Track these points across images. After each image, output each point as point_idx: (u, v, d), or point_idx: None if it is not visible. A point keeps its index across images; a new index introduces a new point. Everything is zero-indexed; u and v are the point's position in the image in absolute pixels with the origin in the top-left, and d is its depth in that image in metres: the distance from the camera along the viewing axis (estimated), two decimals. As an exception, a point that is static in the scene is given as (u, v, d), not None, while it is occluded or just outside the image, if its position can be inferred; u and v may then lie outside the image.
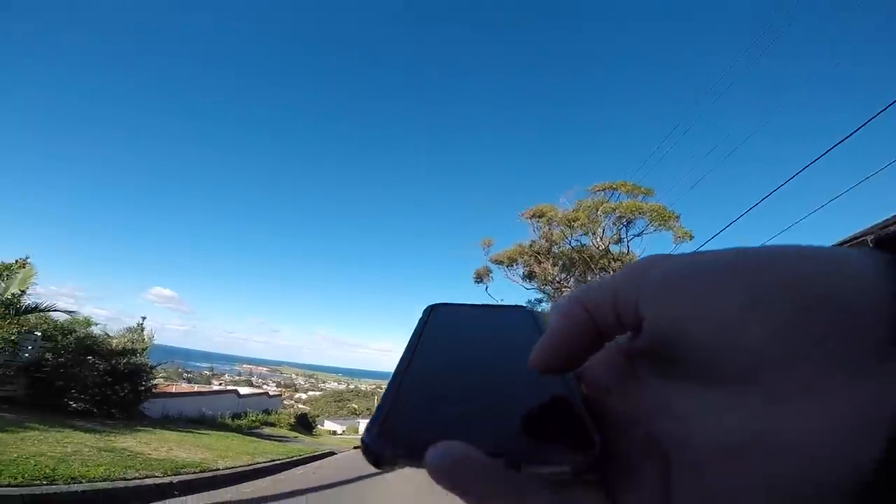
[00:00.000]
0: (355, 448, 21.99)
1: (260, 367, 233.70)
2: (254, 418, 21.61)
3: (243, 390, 25.40)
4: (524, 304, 0.37)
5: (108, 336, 11.60)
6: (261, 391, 29.80)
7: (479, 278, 35.59)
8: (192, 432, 12.45)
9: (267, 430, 21.15)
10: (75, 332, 10.72)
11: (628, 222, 27.21)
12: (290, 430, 23.71)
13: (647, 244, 28.03)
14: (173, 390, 19.34)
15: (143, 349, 11.63)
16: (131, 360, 10.73)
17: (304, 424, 31.27)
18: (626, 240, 28.26)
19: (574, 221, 27.76)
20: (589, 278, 33.91)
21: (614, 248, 29.06)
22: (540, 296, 38.14)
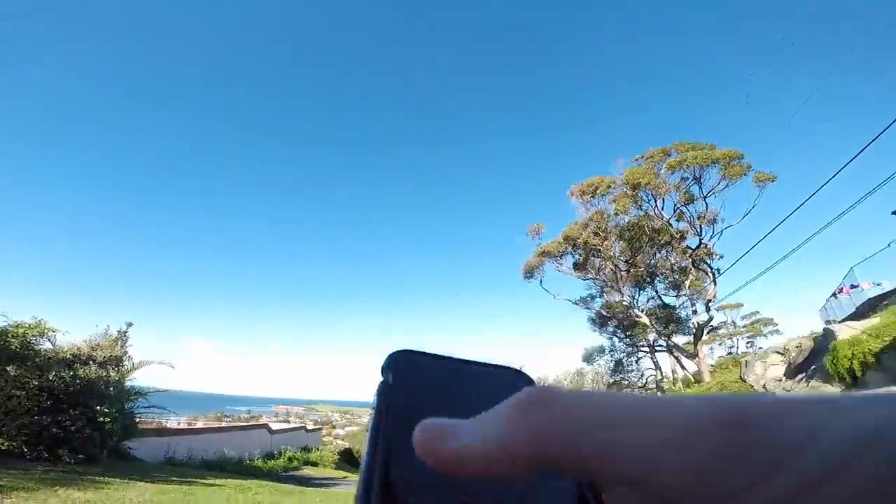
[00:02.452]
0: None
1: (296, 407, 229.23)
2: (290, 456, 17.26)
3: (276, 425, 21.12)
4: (516, 367, 0.31)
5: (55, 346, 7.54)
6: (297, 426, 25.43)
7: (530, 272, 30.40)
8: (196, 482, 8.20)
9: (308, 471, 16.74)
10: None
11: (697, 179, 22.83)
12: (335, 468, 19.28)
13: (728, 199, 23.17)
14: (182, 426, 15.23)
15: (112, 357, 7.54)
16: (80, 374, 6.60)
17: (350, 460, 26.82)
18: (700, 198, 23.57)
19: (640, 182, 23.23)
20: (657, 255, 29.10)
21: (694, 209, 24.31)
22: (593, 291, 33.32)
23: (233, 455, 13.55)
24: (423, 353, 0.29)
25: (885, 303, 14.17)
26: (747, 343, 42.83)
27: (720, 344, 41.76)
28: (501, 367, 0.30)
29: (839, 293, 18.24)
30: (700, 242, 24.23)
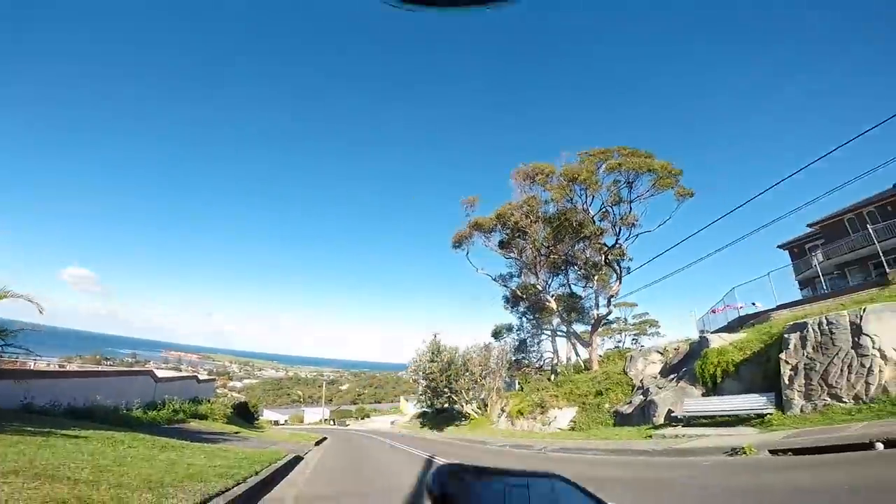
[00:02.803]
0: (318, 444, 17.20)
1: (190, 354, 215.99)
2: (177, 408, 16.16)
3: (162, 372, 19.57)
4: (558, 475, 0.37)
5: None
6: (187, 374, 23.79)
7: (459, 243, 31.15)
8: (56, 433, 7.32)
9: (196, 425, 15.81)
10: None
11: (630, 183, 24.29)
12: (226, 422, 18.38)
13: (650, 206, 25.02)
14: (47, 368, 13.54)
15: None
16: None
17: (244, 415, 25.70)
18: (627, 201, 24.95)
19: (577, 176, 24.22)
20: (575, 247, 30.84)
21: (618, 210, 25.56)
22: (513, 270, 34.77)
23: (108, 403, 12.33)
24: (467, 468, 0.30)
25: (752, 322, 16.34)
26: (632, 340, 47.74)
27: (610, 337, 46.00)
28: (543, 473, 0.32)
29: (718, 311, 20.81)
30: (616, 242, 26.01)
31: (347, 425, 52.63)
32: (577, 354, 31.45)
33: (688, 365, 15.75)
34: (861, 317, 9.22)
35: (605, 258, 26.80)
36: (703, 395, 13.74)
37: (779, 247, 28.36)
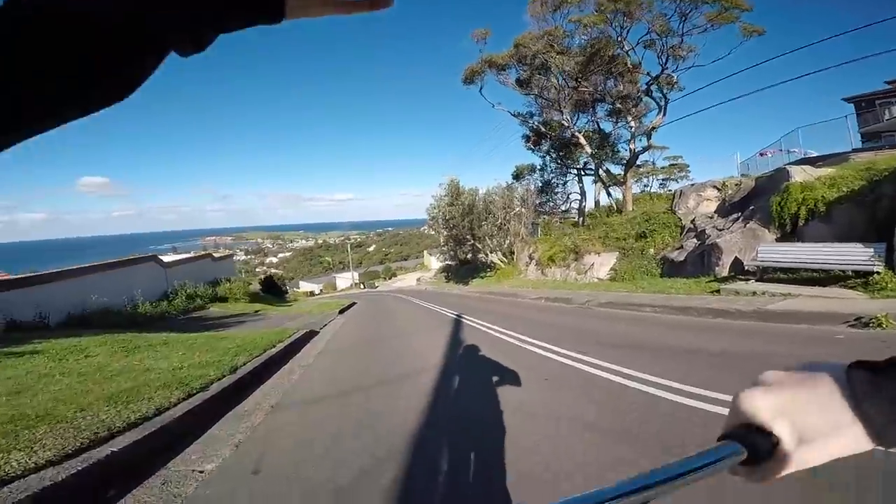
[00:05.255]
0: (342, 312, 16.46)
1: (224, 237, 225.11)
2: (191, 293, 15.32)
3: (169, 257, 18.53)
4: None
5: None
6: (199, 254, 22.92)
7: (471, 79, 26.43)
8: (8, 355, 5.88)
9: (216, 309, 15.09)
10: None
11: (684, 14, 19.09)
12: (249, 302, 17.81)
13: (709, 40, 20.86)
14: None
15: None
16: None
17: (273, 290, 25.64)
18: (678, 34, 20.32)
19: None
20: (609, 83, 26.55)
21: (667, 41, 20.96)
22: (533, 109, 30.68)
23: (105, 302, 11.23)
24: None
25: (819, 163, 13.18)
26: (660, 185, 44.60)
27: (637, 181, 42.85)
28: None
29: (769, 153, 18.50)
30: (662, 71, 21.82)
31: (376, 287, 54.62)
32: (609, 195, 29.21)
33: (756, 202, 13.28)
34: None
35: (648, 87, 22.93)
36: (778, 240, 11.56)
37: (844, 99, 25.10)
